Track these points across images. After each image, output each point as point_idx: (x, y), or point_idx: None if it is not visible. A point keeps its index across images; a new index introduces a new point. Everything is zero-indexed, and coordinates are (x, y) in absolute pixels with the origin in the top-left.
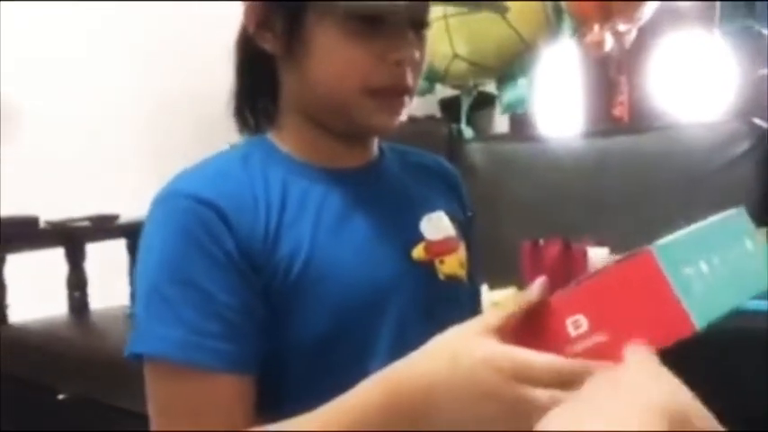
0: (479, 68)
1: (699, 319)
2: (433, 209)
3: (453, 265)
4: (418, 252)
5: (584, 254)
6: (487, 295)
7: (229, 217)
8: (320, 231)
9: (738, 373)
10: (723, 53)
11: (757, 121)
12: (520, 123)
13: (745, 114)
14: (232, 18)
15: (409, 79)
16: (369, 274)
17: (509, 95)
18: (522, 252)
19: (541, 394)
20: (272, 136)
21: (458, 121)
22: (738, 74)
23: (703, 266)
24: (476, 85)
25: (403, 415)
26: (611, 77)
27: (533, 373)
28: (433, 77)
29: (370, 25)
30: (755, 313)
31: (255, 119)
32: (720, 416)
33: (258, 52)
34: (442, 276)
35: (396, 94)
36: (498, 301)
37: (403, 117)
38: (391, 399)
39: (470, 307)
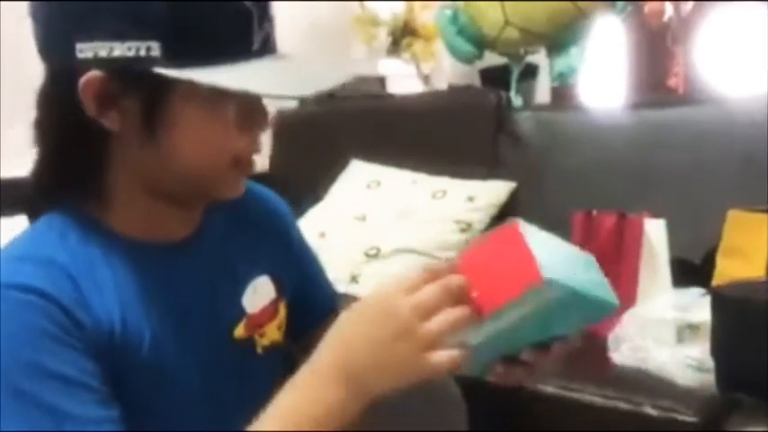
0: (531, 36)
1: (546, 273)
2: (258, 272)
3: (272, 332)
4: (239, 331)
5: (641, 225)
6: None
7: (69, 308)
8: (138, 317)
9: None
10: None
11: None
12: (562, 95)
13: None
14: None
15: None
16: (181, 364)
17: (561, 64)
18: (573, 222)
19: (434, 322)
20: (89, 208)
21: (499, 90)
22: None
23: (555, 251)
24: (526, 53)
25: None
26: (668, 48)
27: (426, 304)
28: (484, 44)
29: (232, 97)
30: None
31: (69, 190)
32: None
33: (82, 123)
34: (260, 350)
35: (252, 159)
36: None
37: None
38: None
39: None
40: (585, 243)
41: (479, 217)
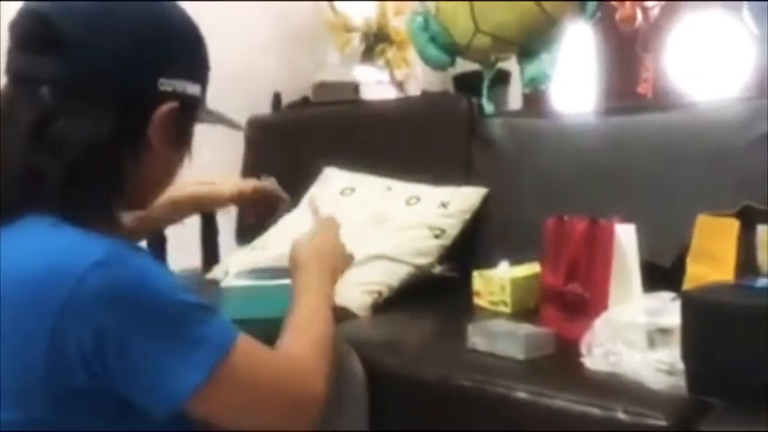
0: (502, 43)
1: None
2: None
3: None
4: None
5: (612, 230)
6: (508, 271)
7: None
8: None
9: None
10: (749, 30)
11: None
12: (533, 101)
13: None
14: None
15: None
16: None
17: (531, 71)
18: (545, 228)
19: None
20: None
21: (473, 96)
22: (766, 51)
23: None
24: (497, 60)
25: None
26: (638, 54)
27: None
28: (455, 52)
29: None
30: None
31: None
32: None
33: (130, 137)
34: None
35: None
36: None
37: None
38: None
39: None
40: (558, 248)
41: (452, 222)
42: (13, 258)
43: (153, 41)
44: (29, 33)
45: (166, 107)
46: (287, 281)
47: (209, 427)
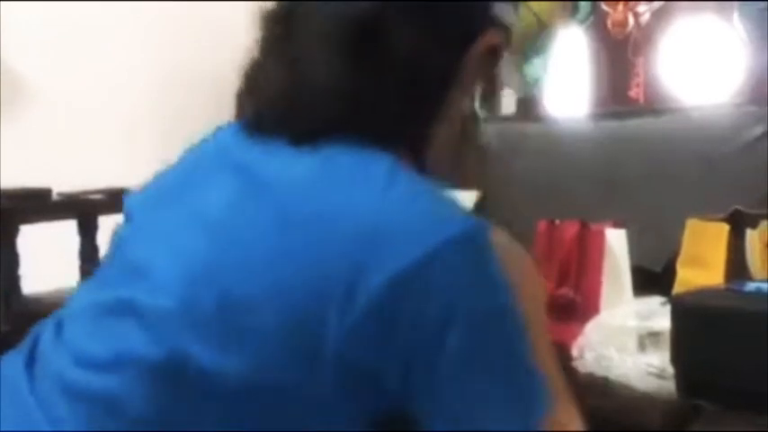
0: None
1: None
2: None
3: None
4: None
5: (603, 235)
6: None
7: None
8: None
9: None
10: (740, 35)
11: None
12: (526, 106)
13: (762, 98)
14: None
15: None
16: None
17: (524, 75)
18: (537, 232)
19: None
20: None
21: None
22: (757, 57)
23: None
24: None
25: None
26: (629, 58)
27: None
28: None
29: None
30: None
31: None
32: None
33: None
34: None
35: None
36: None
37: None
38: None
39: None
40: (549, 252)
41: None
42: (343, 198)
43: None
44: None
45: (486, 41)
46: None
47: None
